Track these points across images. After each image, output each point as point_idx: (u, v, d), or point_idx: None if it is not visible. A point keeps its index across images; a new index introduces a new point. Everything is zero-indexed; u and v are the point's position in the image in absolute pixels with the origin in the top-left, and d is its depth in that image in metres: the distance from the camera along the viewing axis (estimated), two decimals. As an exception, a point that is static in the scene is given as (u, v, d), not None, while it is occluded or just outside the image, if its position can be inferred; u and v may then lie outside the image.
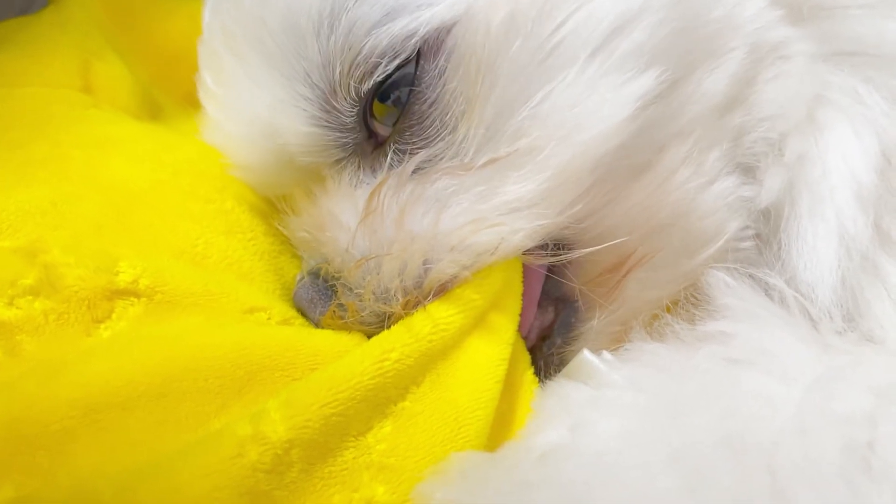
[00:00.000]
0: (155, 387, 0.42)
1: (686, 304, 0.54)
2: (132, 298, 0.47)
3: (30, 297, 0.45)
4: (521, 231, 0.49)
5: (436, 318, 0.48)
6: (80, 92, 0.68)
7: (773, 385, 0.47)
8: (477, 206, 0.50)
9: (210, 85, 0.59)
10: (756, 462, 0.42)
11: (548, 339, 0.56)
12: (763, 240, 0.56)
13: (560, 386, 0.51)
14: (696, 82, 0.52)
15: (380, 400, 0.45)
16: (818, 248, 0.53)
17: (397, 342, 0.46)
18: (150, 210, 0.54)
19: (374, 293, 0.50)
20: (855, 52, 0.54)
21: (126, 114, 0.68)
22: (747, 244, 0.55)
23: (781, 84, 0.54)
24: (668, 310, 0.54)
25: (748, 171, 0.56)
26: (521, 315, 0.53)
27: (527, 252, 0.51)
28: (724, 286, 0.53)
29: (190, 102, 0.67)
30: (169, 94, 0.78)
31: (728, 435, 0.43)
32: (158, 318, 0.47)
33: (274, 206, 0.60)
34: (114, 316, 0.46)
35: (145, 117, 0.71)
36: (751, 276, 0.54)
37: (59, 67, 0.70)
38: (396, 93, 0.51)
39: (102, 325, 0.46)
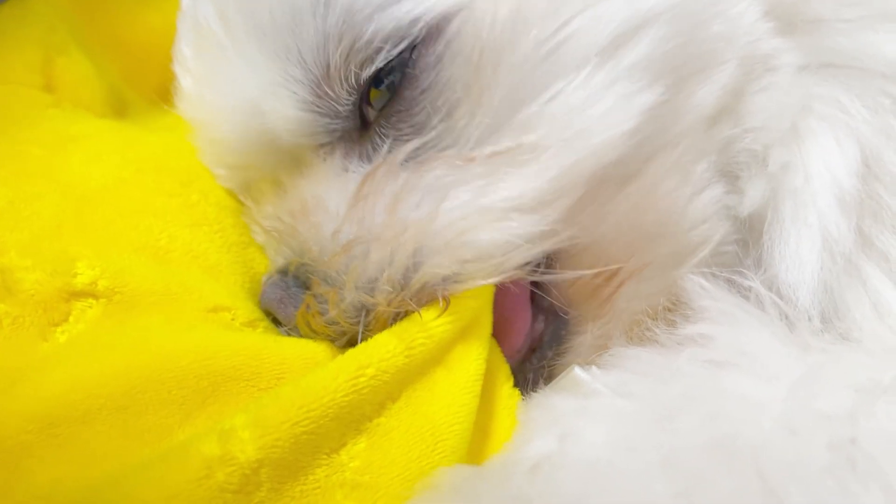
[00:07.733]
0: (116, 399, 0.40)
1: (663, 308, 0.53)
2: (90, 300, 0.45)
3: (-15, 302, 0.44)
4: (526, 234, 0.47)
5: (427, 326, 0.46)
6: (41, 90, 0.66)
7: (756, 386, 0.46)
8: (478, 199, 0.48)
9: (189, 57, 0.56)
10: (746, 463, 0.41)
11: (538, 351, 0.54)
12: (743, 245, 0.56)
13: (545, 397, 0.50)
14: (688, 94, 0.51)
15: (354, 417, 0.43)
16: (801, 251, 0.53)
17: (374, 356, 0.44)
18: (111, 207, 0.52)
19: (356, 283, 0.48)
20: (839, 65, 0.54)
21: (89, 111, 0.66)
22: (729, 248, 0.55)
23: (768, 95, 0.54)
24: (648, 314, 0.53)
25: (731, 179, 0.55)
26: (514, 326, 0.51)
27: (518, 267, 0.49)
28: (701, 289, 0.52)
29: (161, 97, 0.65)
30: (138, 88, 0.77)
31: (717, 437, 0.43)
32: (118, 319, 0.45)
33: (240, 200, 0.58)
34: (71, 319, 0.45)
35: (111, 114, 0.70)
36: (728, 279, 0.53)
37: (20, 64, 0.68)
38: (391, 77, 0.49)
39: (59, 329, 0.44)
